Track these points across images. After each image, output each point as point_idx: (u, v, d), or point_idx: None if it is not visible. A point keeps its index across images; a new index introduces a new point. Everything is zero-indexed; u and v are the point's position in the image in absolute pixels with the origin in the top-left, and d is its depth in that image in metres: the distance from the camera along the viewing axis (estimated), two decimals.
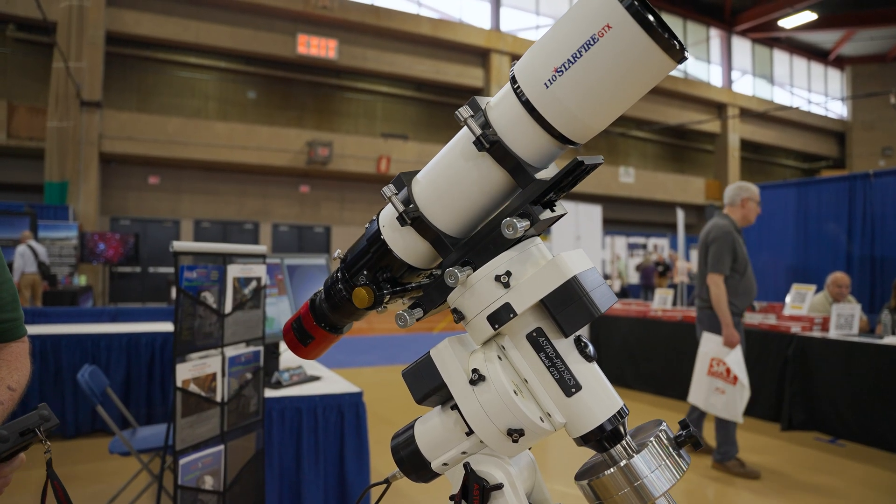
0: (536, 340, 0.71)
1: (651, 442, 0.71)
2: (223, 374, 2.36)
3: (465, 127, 0.71)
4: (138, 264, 14.00)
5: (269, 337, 2.82)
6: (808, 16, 18.86)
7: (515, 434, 0.71)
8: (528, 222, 0.70)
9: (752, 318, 5.82)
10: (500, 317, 0.70)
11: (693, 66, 22.45)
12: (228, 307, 2.38)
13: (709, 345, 4.26)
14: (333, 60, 15.93)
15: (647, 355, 6.58)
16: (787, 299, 5.88)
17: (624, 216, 20.90)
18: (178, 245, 2.08)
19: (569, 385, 0.71)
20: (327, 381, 3.10)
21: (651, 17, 0.58)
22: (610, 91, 0.63)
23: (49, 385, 4.60)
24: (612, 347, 6.99)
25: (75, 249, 11.87)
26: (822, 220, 7.72)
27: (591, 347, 0.75)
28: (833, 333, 5.14)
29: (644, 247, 18.15)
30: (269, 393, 2.76)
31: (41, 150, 12.98)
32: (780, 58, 24.97)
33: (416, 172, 0.79)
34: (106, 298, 13.38)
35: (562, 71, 0.63)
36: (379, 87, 17.79)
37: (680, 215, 10.91)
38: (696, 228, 20.90)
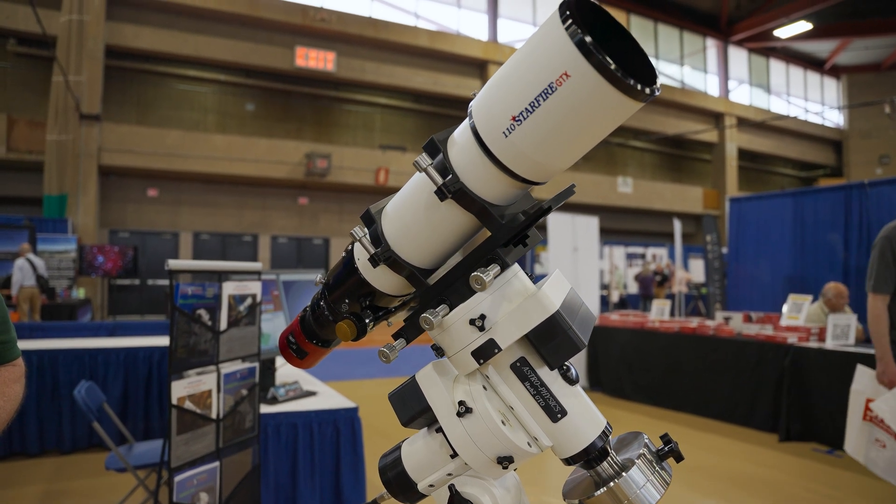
0: (521, 370, 0.72)
1: (637, 460, 0.72)
2: (219, 391, 2.37)
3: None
4: (137, 277, 14.01)
5: (265, 353, 2.83)
6: (804, 25, 18.99)
7: (505, 462, 0.72)
8: (498, 268, 0.68)
9: (749, 329, 5.84)
10: (485, 352, 0.70)
11: (690, 76, 22.56)
12: (224, 324, 2.39)
13: (863, 381, 3.36)
14: (332, 73, 16.01)
15: (644, 366, 6.58)
16: (784, 309, 5.89)
17: (622, 226, 20.93)
18: (173, 263, 2.09)
19: (554, 411, 0.72)
20: (323, 396, 3.11)
21: (611, 64, 0.53)
22: (572, 137, 0.61)
23: (46, 400, 4.59)
24: (610, 358, 6.99)
25: (74, 262, 11.88)
26: (819, 230, 7.74)
27: (573, 370, 0.76)
28: (829, 344, 5.15)
29: (643, 256, 18.15)
30: (265, 409, 2.77)
31: (40, 163, 13.02)
32: (777, 67, 25.12)
33: (386, 202, 0.78)
34: (105, 311, 13.38)
35: (520, 120, 0.59)
36: (377, 98, 17.87)
37: (677, 225, 10.94)
38: (695, 238, 20.95)
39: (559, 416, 0.72)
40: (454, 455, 0.77)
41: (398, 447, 0.86)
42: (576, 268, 7.30)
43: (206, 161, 14.51)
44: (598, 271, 7.72)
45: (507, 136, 0.61)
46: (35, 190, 13.51)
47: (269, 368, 3.00)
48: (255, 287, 2.55)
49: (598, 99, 0.56)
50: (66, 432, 4.65)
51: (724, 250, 10.29)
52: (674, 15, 21.85)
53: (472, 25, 18.47)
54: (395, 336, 0.78)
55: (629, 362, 6.75)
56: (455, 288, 0.72)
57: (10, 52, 13.84)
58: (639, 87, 0.55)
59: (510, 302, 0.71)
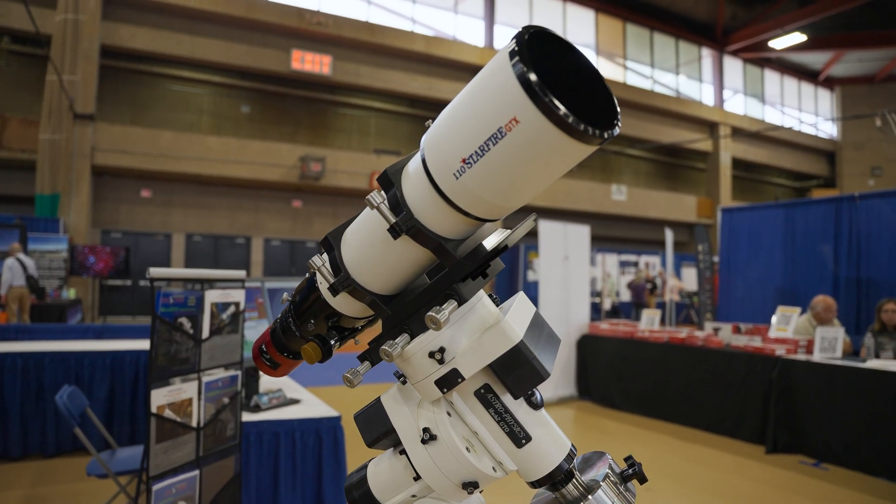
0: (485, 397, 0.72)
1: (602, 482, 0.73)
2: (199, 400, 2.35)
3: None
4: (129, 277, 13.95)
5: (248, 361, 2.81)
6: (798, 37, 19.11)
7: (470, 487, 0.72)
8: (455, 303, 0.67)
9: (737, 340, 5.85)
10: (449, 381, 0.70)
11: (685, 85, 22.65)
12: (206, 332, 2.38)
13: None
14: (327, 76, 16.01)
15: (633, 376, 6.59)
16: (773, 321, 5.91)
17: (616, 233, 20.97)
18: (154, 271, 2.08)
19: (519, 437, 0.72)
20: (307, 404, 3.09)
21: (560, 109, 0.51)
22: (524, 180, 0.59)
23: (30, 403, 4.56)
24: (600, 367, 6.99)
25: (65, 262, 11.82)
26: (810, 242, 7.78)
27: (538, 395, 0.76)
28: (817, 356, 5.16)
29: (635, 264, 18.19)
30: (248, 417, 2.75)
31: (33, 162, 12.96)
32: (771, 77, 25.26)
33: (345, 227, 0.77)
34: (96, 312, 13.30)
35: (470, 163, 0.58)
36: (372, 102, 17.87)
37: (668, 235, 10.96)
38: (688, 246, 21.00)
39: (523, 441, 0.72)
40: (417, 477, 0.76)
41: (364, 466, 0.86)
42: (567, 276, 7.31)
43: (200, 162, 14.47)
44: (588, 280, 7.72)
45: (457, 179, 0.59)
46: (27, 189, 13.44)
47: (252, 376, 2.98)
48: (238, 295, 2.54)
49: (549, 145, 0.55)
50: (50, 436, 4.62)
51: (716, 259, 10.32)
52: (670, 24, 21.95)
53: (468, 31, 18.50)
54: (361, 358, 0.78)
55: (618, 372, 6.76)
56: (418, 316, 0.71)
57: (3, 50, 13.79)
58: (592, 131, 0.53)
59: (472, 332, 0.70)
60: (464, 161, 0.58)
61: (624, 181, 21.55)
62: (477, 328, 0.71)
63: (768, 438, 5.20)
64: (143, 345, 5.07)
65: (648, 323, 6.92)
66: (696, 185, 23.69)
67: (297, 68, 15.59)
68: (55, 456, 4.65)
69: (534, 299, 10.17)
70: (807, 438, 5.04)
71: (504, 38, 18.92)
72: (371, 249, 0.72)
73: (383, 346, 0.70)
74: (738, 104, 24.14)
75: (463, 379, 0.70)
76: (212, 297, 2.39)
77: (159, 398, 2.16)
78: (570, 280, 7.37)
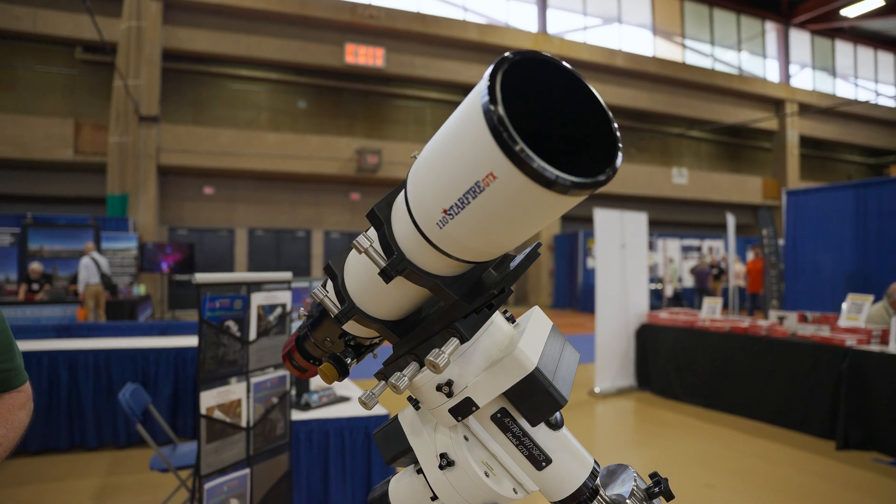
0: (502, 421, 0.71)
1: (628, 500, 0.71)
2: (248, 400, 2.41)
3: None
4: (194, 272, 14.50)
5: None
6: (875, 2, 17.94)
7: None
8: (457, 341, 0.63)
9: (804, 330, 5.59)
10: (463, 410, 0.69)
11: (748, 62, 21.72)
12: (253, 335, 2.43)
13: None
14: (381, 69, 16.12)
15: (694, 366, 6.40)
16: (843, 309, 5.62)
17: (677, 218, 20.40)
18: (200, 277, 2.13)
19: (539, 460, 0.71)
20: (356, 402, 3.13)
21: (533, 161, 0.47)
22: (508, 229, 0.56)
23: (102, 397, 4.81)
24: (659, 357, 6.83)
25: (135, 259, 12.36)
26: (884, 224, 7.33)
27: (557, 414, 0.74)
28: (893, 347, 4.88)
29: (698, 249, 17.64)
30: (297, 415, 2.80)
31: (104, 164, 13.60)
32: (843, 49, 23.89)
33: (347, 253, 0.75)
34: (165, 306, 13.89)
35: (452, 214, 0.54)
36: (428, 93, 17.89)
37: (730, 219, 10.55)
38: (753, 230, 20.23)
39: (543, 464, 0.71)
40: (434, 497, 0.76)
41: (387, 481, 0.87)
42: (624, 264, 7.15)
43: (260, 159, 14.85)
44: (646, 268, 7.51)
45: (441, 228, 0.56)
46: (99, 190, 14.13)
47: None
48: (284, 297, 2.58)
49: (532, 200, 0.51)
50: (121, 428, 4.85)
51: (782, 242, 9.87)
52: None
53: (521, 17, 18.25)
54: (378, 375, 0.78)
55: (678, 362, 6.58)
56: (430, 343, 0.68)
57: (77, 60, 14.49)
58: (577, 182, 0.49)
59: (485, 359, 0.69)
60: (445, 212, 0.55)
61: (685, 164, 20.89)
62: (490, 354, 0.69)
63: (839, 434, 4.95)
64: None
65: (709, 311, 6.70)
66: (762, 165, 22.74)
67: (350, 62, 15.76)
68: (127, 447, 4.88)
69: (592, 287, 9.93)
70: (882, 435, 4.77)
71: (558, 22, 18.55)
72: (370, 282, 0.69)
73: (391, 380, 0.68)
74: (805, 79, 22.97)
75: (477, 407, 0.68)
76: (258, 299, 2.44)
77: (208, 399, 2.22)
78: (628, 268, 7.20)
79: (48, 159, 13.48)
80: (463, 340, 0.65)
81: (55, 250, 11.40)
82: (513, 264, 0.70)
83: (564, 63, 0.56)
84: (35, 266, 10.42)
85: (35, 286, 10.20)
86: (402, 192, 0.62)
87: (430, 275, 0.62)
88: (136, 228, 13.22)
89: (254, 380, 2.45)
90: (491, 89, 0.49)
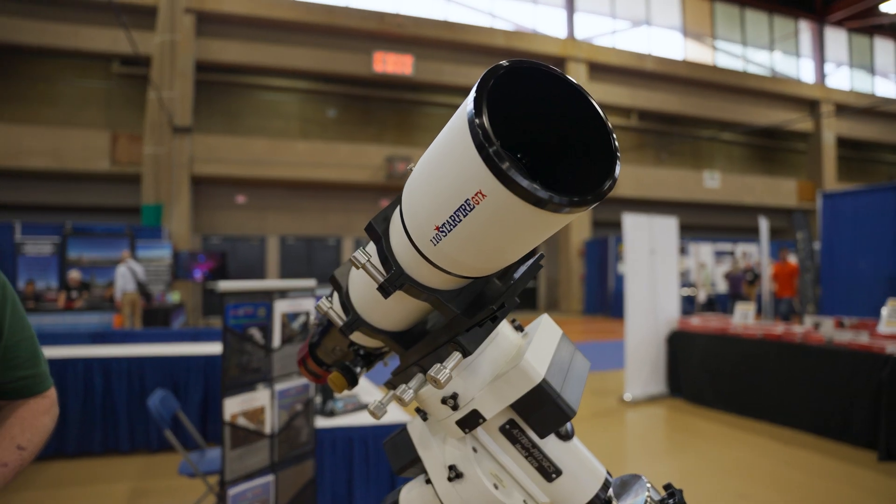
0: (510, 433, 0.70)
1: None
2: (272, 407, 2.43)
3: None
4: (227, 280, 14.73)
5: None
6: None
7: None
8: (459, 356, 0.62)
9: (841, 336, 5.44)
10: (470, 422, 0.68)
11: (781, 63, 21.30)
12: (277, 342, 2.45)
13: None
14: (409, 76, 16.22)
15: (727, 373, 6.26)
16: (883, 314, 5.45)
17: (709, 222, 20.06)
18: (223, 285, 2.16)
19: (549, 472, 0.70)
20: None
21: (524, 183, 0.46)
22: (503, 247, 0.54)
23: (135, 403, 4.90)
24: (691, 364, 6.70)
25: (170, 268, 12.62)
26: None
27: (568, 425, 0.73)
28: None
29: (731, 254, 17.31)
30: (322, 422, 2.82)
31: (139, 174, 13.93)
32: (883, 46, 23.27)
33: (349, 267, 0.74)
34: (199, 314, 14.13)
35: (444, 232, 0.53)
36: (456, 100, 17.94)
37: (763, 224, 10.32)
38: (787, 233, 19.78)
39: (553, 476, 0.70)
40: None
41: (398, 491, 0.86)
42: (653, 270, 7.04)
43: (291, 167, 15.05)
44: (676, 273, 7.39)
45: (435, 245, 0.55)
46: (134, 199, 14.46)
47: None
48: (308, 304, 2.60)
49: (522, 218, 0.49)
50: (153, 433, 4.94)
51: (817, 245, 9.62)
52: None
53: (549, 23, 18.19)
54: (387, 385, 0.77)
55: (710, 369, 6.45)
56: (437, 355, 0.67)
57: (114, 73, 14.89)
58: (568, 200, 0.48)
59: (491, 370, 0.68)
60: (437, 229, 0.54)
61: (717, 167, 20.55)
62: (496, 366, 0.69)
63: (881, 444, 4.79)
64: None
65: (742, 317, 6.56)
66: (796, 168, 22.24)
67: (379, 70, 15.88)
68: (158, 451, 4.97)
69: (621, 292, 9.83)
70: None
71: (586, 27, 18.44)
72: (373, 296, 0.69)
73: (396, 393, 0.68)
74: (842, 79, 22.41)
75: (484, 419, 0.68)
76: (281, 307, 2.46)
77: (233, 406, 2.25)
78: (658, 274, 7.09)
79: (86, 170, 13.85)
80: (465, 355, 0.63)
81: (93, 259, 11.72)
82: (516, 275, 0.68)
83: (560, 72, 0.55)
84: (74, 274, 10.71)
85: (74, 294, 10.48)
86: (398, 206, 0.61)
87: (430, 289, 0.61)
88: (171, 237, 13.49)
89: (278, 387, 2.47)
90: (477, 100, 0.48)
